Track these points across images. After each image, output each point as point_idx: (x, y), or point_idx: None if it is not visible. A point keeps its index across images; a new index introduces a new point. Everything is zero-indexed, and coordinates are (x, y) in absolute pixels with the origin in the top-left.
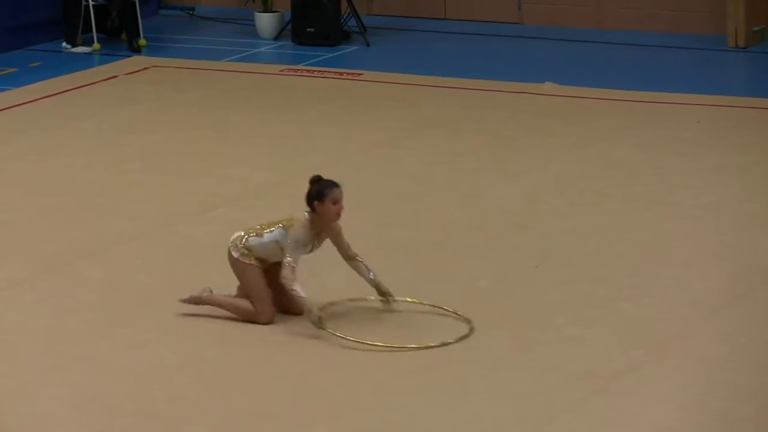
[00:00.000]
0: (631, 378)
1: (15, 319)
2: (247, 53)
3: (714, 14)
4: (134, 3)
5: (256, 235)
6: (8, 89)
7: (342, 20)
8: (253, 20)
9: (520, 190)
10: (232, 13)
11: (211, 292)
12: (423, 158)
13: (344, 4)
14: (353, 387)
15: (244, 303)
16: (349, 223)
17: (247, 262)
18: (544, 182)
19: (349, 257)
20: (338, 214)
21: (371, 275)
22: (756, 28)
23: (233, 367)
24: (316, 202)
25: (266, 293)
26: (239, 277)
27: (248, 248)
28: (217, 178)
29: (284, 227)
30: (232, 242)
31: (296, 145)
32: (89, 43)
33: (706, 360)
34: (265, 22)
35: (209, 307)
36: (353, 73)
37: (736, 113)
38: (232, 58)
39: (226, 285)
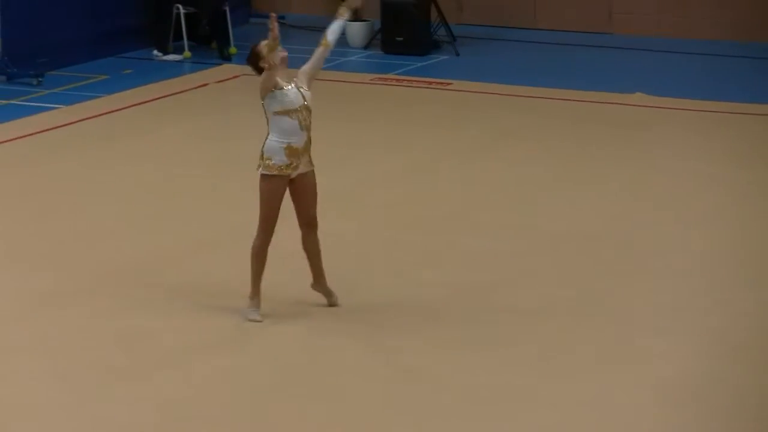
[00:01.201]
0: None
1: None
2: (337, 62)
3: None
4: (225, 11)
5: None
6: (100, 96)
7: (431, 29)
8: (344, 29)
9: (606, 200)
10: (321, 21)
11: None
12: (508, 168)
13: (434, 13)
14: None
15: (252, 255)
16: (433, 234)
17: (266, 173)
18: (626, 191)
19: (322, 45)
20: (284, 60)
21: (338, 21)
22: None
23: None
24: (260, 63)
25: (274, 212)
26: (259, 195)
27: (266, 155)
28: None
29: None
30: (257, 165)
31: (383, 153)
32: (180, 50)
33: None
34: (355, 31)
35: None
36: (442, 83)
37: None
38: (322, 67)
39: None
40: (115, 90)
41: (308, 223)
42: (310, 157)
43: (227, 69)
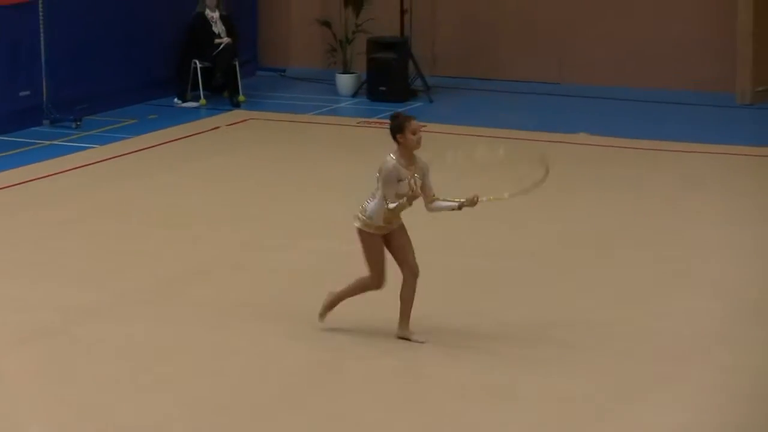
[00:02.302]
0: None
1: None
2: (329, 108)
3: (724, 76)
4: (235, 65)
5: (371, 197)
6: (128, 137)
7: (409, 80)
8: (335, 80)
9: (561, 226)
10: (317, 74)
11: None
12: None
13: (411, 67)
14: None
15: (359, 281)
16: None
17: (366, 230)
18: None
19: (430, 200)
20: (419, 142)
21: (452, 203)
22: (760, 89)
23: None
24: (398, 135)
25: (380, 260)
26: (361, 246)
27: (366, 215)
28: (306, 211)
29: (379, 173)
30: (354, 215)
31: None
32: (197, 98)
33: None
34: (345, 81)
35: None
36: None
37: (741, 160)
38: (317, 112)
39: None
40: (142, 132)
41: (410, 269)
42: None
43: (237, 114)
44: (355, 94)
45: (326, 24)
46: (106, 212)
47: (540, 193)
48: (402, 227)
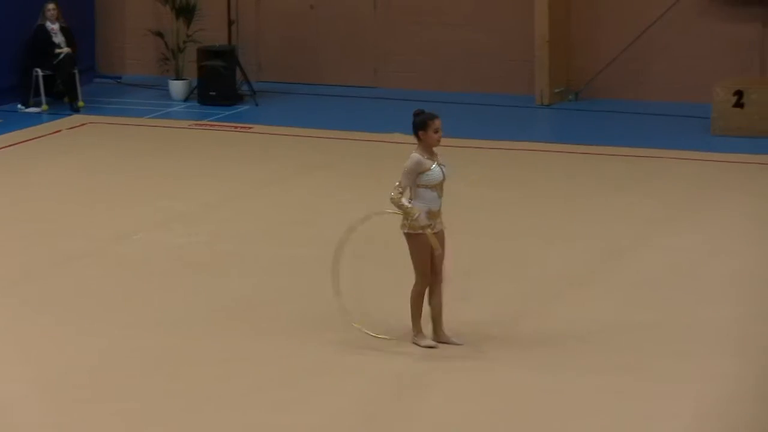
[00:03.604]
0: None
1: None
2: (163, 112)
3: (524, 78)
4: (74, 73)
5: (407, 201)
6: None
7: (237, 86)
8: (168, 86)
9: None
10: (151, 80)
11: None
12: (306, 193)
13: (239, 73)
14: None
15: (413, 298)
16: (248, 244)
17: (412, 232)
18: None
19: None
20: (438, 140)
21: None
22: (557, 90)
23: None
24: (420, 132)
25: (425, 262)
26: (409, 249)
27: (410, 215)
28: (143, 209)
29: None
30: (401, 223)
31: (203, 183)
32: (39, 104)
33: None
34: (177, 87)
35: None
36: (245, 127)
37: (539, 155)
38: (151, 115)
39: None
40: None
41: (436, 275)
42: (441, 218)
43: (77, 118)
44: (186, 99)
45: (159, 34)
46: None
47: (356, 186)
48: (442, 233)
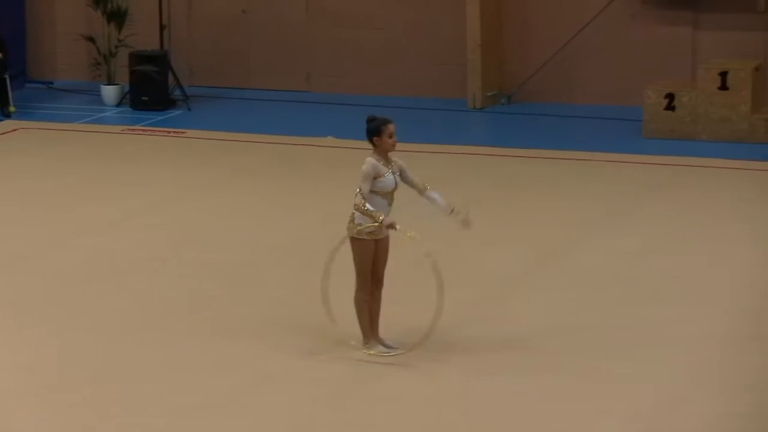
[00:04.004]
0: None
1: None
2: (96, 117)
3: (457, 82)
4: (5, 78)
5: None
6: None
7: (169, 90)
8: (100, 91)
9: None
10: (83, 85)
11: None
12: (237, 197)
13: (171, 78)
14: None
15: (357, 307)
16: (178, 249)
17: (358, 237)
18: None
19: (422, 190)
20: (394, 145)
21: (443, 204)
22: (489, 93)
23: None
24: (375, 138)
25: (365, 269)
26: (353, 255)
27: (356, 222)
28: (75, 214)
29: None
30: (347, 227)
31: (135, 188)
32: None
33: None
34: (110, 92)
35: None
36: (178, 132)
37: (472, 159)
38: (84, 121)
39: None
40: None
41: (378, 281)
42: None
43: (8, 124)
44: (119, 104)
45: (90, 39)
46: None
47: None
48: (387, 239)
